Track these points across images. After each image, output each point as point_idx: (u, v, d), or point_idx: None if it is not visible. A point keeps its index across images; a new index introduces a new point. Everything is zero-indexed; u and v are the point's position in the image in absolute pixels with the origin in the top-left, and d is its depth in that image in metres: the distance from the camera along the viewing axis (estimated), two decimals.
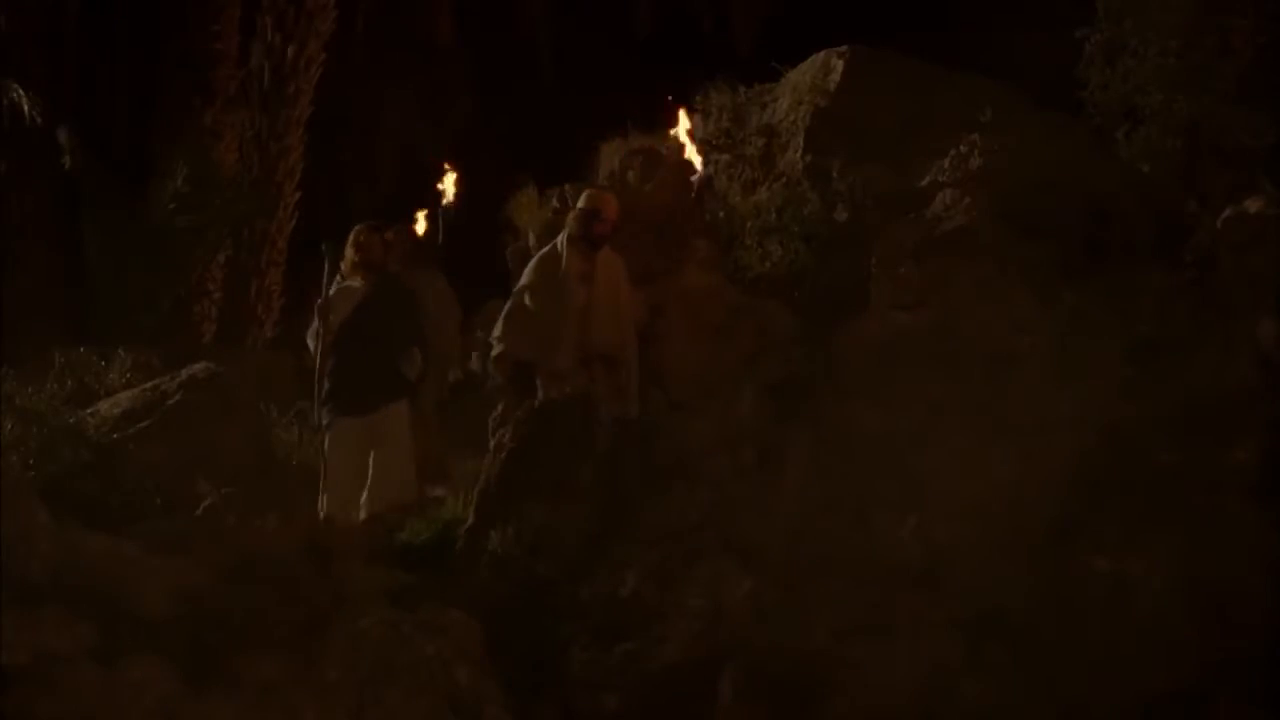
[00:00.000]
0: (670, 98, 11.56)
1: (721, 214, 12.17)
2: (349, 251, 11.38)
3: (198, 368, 12.36)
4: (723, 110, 13.38)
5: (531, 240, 12.45)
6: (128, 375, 12.87)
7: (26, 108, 16.09)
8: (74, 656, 6.67)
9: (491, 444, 9.99)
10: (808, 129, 12.55)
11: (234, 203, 17.46)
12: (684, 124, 11.56)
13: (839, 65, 12.79)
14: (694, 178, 11.60)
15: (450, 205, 13.48)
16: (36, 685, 6.50)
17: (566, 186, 13.02)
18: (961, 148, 11.93)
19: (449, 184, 13.76)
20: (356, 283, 11.32)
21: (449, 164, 13.90)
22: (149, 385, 12.14)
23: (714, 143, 13.18)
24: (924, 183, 11.91)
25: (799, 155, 12.46)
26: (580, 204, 11.31)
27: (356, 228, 11.60)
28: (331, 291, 11.23)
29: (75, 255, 16.71)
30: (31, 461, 9.41)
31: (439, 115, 23.63)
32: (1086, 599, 9.54)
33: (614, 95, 16.30)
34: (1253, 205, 11.13)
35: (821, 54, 13.09)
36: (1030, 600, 9.58)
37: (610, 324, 11.03)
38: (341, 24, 19.99)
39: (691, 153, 11.68)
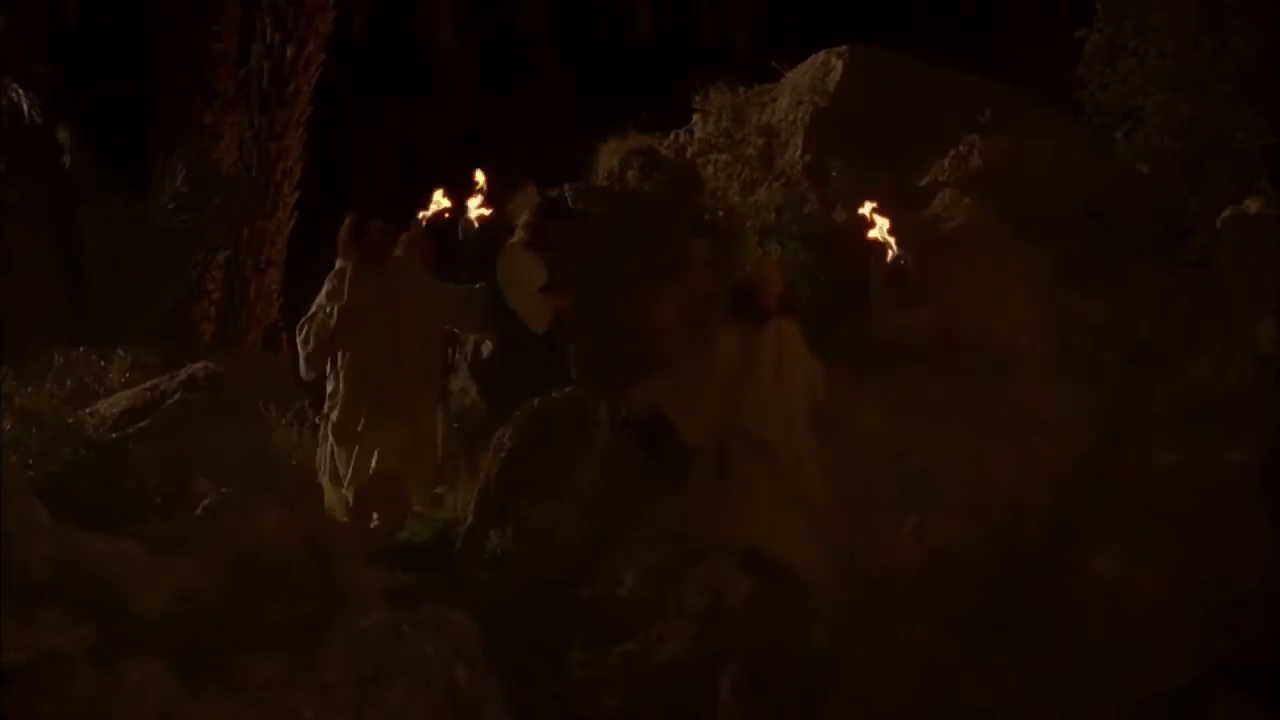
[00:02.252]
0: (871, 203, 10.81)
1: (721, 214, 12.15)
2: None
3: (197, 367, 12.32)
4: (722, 110, 13.38)
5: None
6: (127, 375, 12.84)
7: (26, 107, 16.08)
8: (73, 656, 6.67)
9: (491, 444, 9.98)
10: (807, 129, 12.55)
11: (233, 203, 17.42)
12: (882, 223, 10.52)
13: (838, 65, 12.79)
14: (890, 258, 10.49)
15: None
16: (36, 685, 6.50)
17: (566, 186, 13.01)
18: (961, 148, 11.94)
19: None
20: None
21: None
22: (148, 385, 12.12)
23: (713, 142, 13.17)
24: (923, 182, 11.92)
25: (798, 155, 12.46)
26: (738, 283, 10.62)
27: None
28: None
29: (74, 255, 16.68)
30: (31, 461, 9.39)
31: (438, 115, 23.62)
32: (1085, 599, 9.55)
33: (614, 95, 16.29)
34: (1252, 205, 11.14)
35: (821, 54, 13.09)
36: (1029, 600, 9.59)
37: (774, 408, 10.08)
38: (341, 24, 19.96)
39: (881, 232, 10.54)
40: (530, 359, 10.96)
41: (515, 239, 11.43)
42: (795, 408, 9.98)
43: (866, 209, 10.42)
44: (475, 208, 11.59)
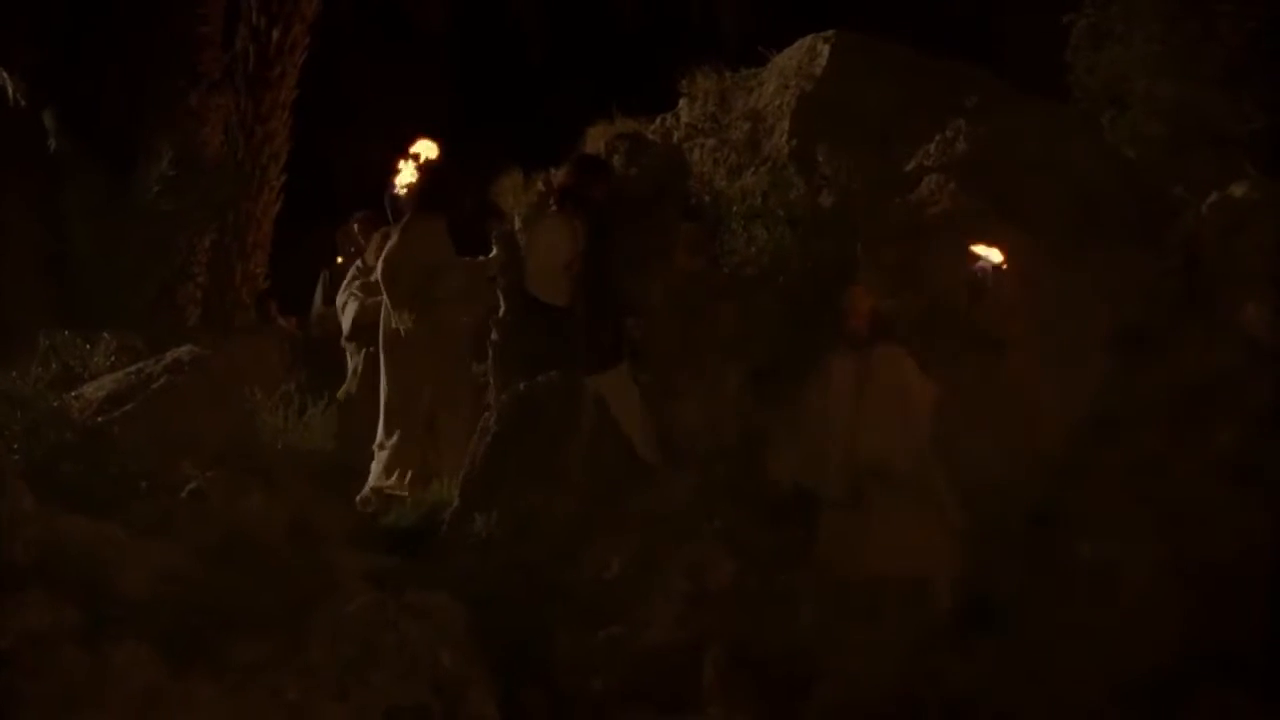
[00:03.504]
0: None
1: (707, 198, 12.14)
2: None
3: (182, 351, 12.30)
4: (708, 95, 13.36)
5: (517, 224, 12.40)
6: (112, 358, 12.81)
7: (11, 91, 16.04)
8: (58, 639, 6.66)
9: (478, 427, 9.97)
10: (793, 113, 12.52)
11: (219, 186, 17.40)
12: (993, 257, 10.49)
13: (825, 50, 12.77)
14: (977, 266, 10.48)
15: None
16: (20, 667, 6.49)
17: (551, 170, 12.99)
18: (947, 133, 11.93)
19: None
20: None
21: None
22: (133, 368, 12.10)
23: (699, 127, 13.16)
24: (910, 167, 11.91)
25: (784, 140, 12.44)
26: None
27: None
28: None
29: (60, 238, 16.64)
30: (16, 445, 9.37)
31: (425, 98, 23.58)
32: (1071, 584, 9.57)
33: (601, 79, 16.28)
34: (1238, 190, 11.15)
35: (808, 39, 13.07)
36: (1015, 585, 9.61)
37: (893, 436, 10.01)
38: (327, 7, 19.91)
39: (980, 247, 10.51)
40: (531, 339, 10.91)
41: (553, 207, 11.38)
42: (916, 433, 9.93)
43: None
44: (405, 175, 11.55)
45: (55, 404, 10.53)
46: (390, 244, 11.50)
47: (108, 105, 18.35)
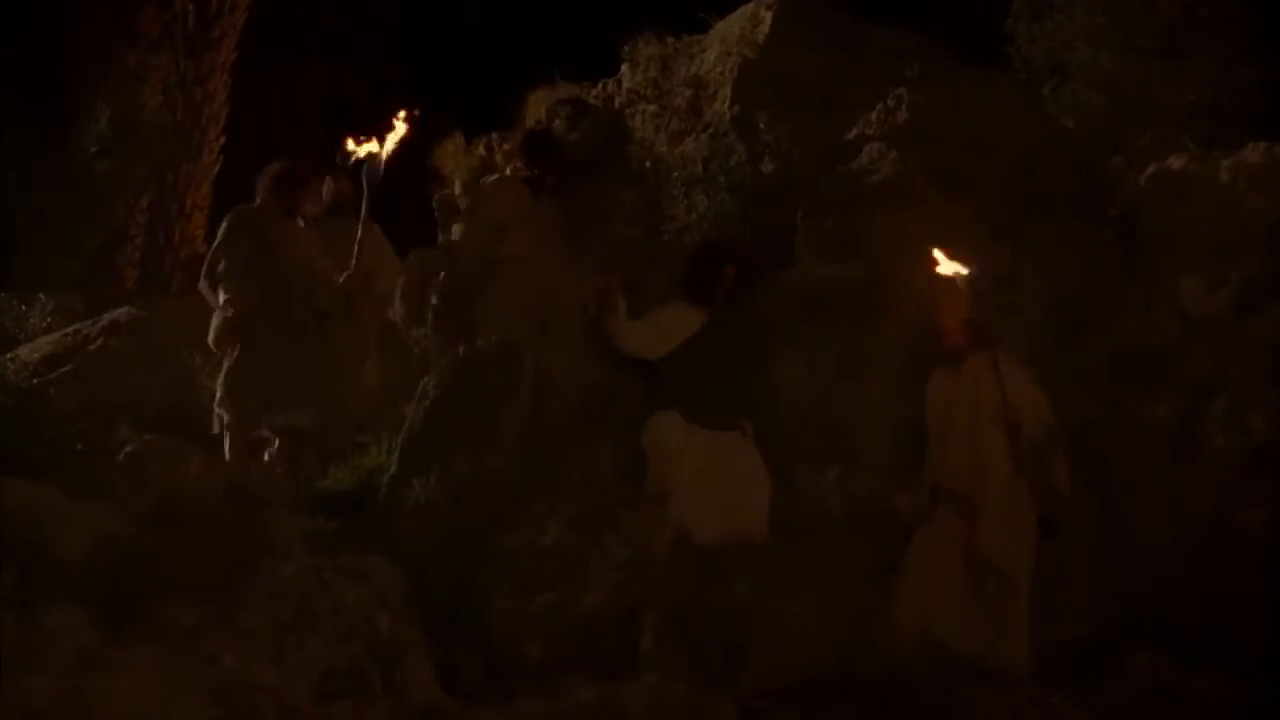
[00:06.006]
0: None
1: (648, 164, 12.14)
2: None
3: (120, 313, 12.26)
4: (650, 60, 13.33)
5: (457, 188, 12.38)
6: (49, 320, 12.78)
7: None
8: None
9: (417, 392, 9.95)
10: (735, 80, 12.52)
11: (157, 147, 17.32)
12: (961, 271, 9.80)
13: (767, 17, 12.76)
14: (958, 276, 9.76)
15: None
16: None
17: (493, 135, 12.96)
18: (889, 101, 11.95)
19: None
20: None
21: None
22: (70, 330, 12.06)
23: (641, 93, 13.14)
24: (851, 135, 11.92)
25: (726, 106, 12.44)
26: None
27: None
28: None
29: None
30: None
31: (364, 61, 23.49)
32: None
33: (543, 43, 16.23)
34: (1176, 162, 11.20)
35: (750, 5, 13.05)
36: None
37: (967, 452, 9.69)
38: None
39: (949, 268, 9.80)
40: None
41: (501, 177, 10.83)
42: (992, 459, 9.61)
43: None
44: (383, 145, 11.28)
45: None
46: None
47: (44, 64, 18.19)
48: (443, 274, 11.08)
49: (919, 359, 10.10)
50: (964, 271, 9.55)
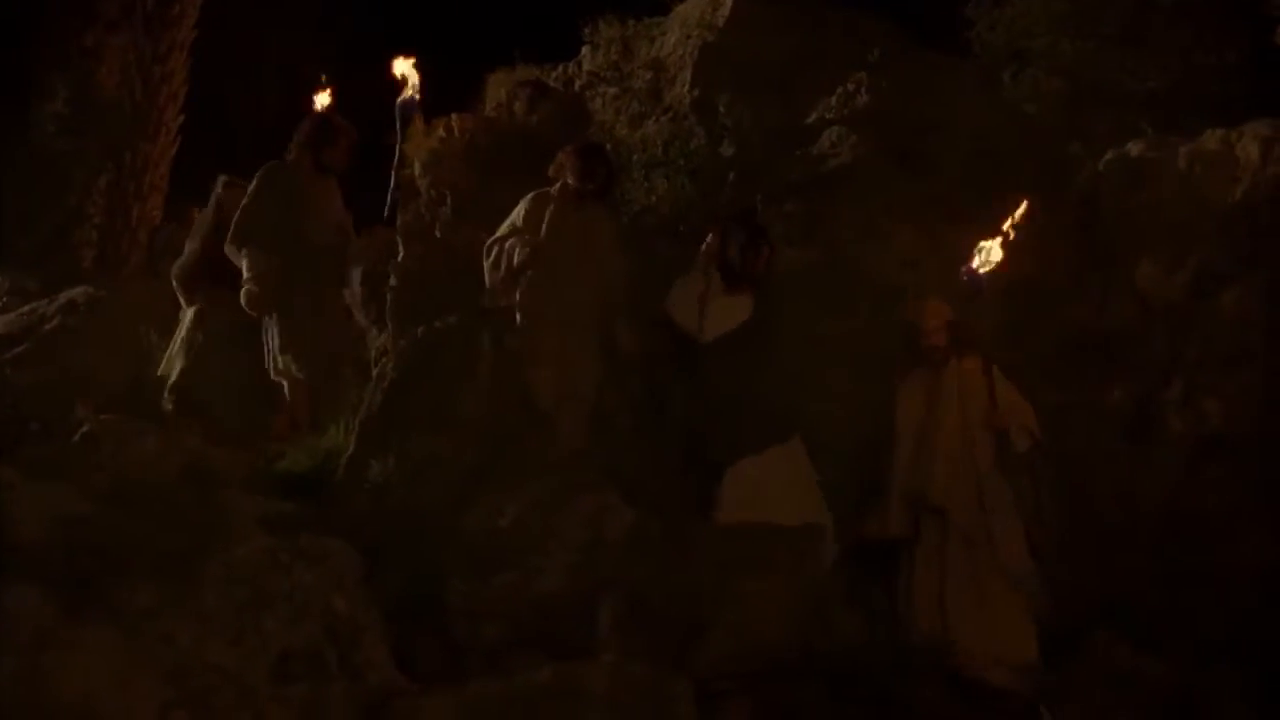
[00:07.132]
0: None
1: (608, 147, 12.12)
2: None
3: (76, 292, 12.21)
4: (611, 43, 13.32)
5: (417, 169, 12.31)
6: (4, 299, 12.72)
7: None
8: None
9: (374, 373, 9.93)
10: (695, 63, 12.52)
11: (115, 126, 17.23)
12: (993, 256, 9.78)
13: (728, 0, 12.76)
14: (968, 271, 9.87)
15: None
16: None
17: (453, 116, 12.90)
18: (849, 85, 11.97)
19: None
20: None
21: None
22: (26, 309, 12.01)
23: (601, 75, 13.12)
24: (811, 119, 11.94)
25: (686, 89, 12.44)
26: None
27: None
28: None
29: None
30: None
31: (323, 41, 23.39)
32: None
33: (502, 26, 16.18)
34: (1134, 148, 11.25)
35: None
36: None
37: (957, 471, 9.59)
38: None
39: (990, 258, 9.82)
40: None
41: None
42: (981, 470, 9.60)
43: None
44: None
45: None
46: None
47: (1, 43, 18.08)
48: (400, 256, 11.07)
49: (885, 351, 10.13)
50: (994, 262, 9.62)
